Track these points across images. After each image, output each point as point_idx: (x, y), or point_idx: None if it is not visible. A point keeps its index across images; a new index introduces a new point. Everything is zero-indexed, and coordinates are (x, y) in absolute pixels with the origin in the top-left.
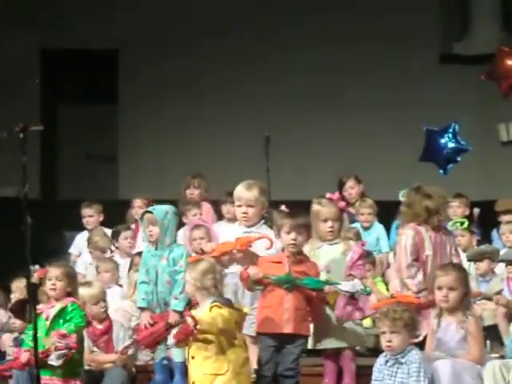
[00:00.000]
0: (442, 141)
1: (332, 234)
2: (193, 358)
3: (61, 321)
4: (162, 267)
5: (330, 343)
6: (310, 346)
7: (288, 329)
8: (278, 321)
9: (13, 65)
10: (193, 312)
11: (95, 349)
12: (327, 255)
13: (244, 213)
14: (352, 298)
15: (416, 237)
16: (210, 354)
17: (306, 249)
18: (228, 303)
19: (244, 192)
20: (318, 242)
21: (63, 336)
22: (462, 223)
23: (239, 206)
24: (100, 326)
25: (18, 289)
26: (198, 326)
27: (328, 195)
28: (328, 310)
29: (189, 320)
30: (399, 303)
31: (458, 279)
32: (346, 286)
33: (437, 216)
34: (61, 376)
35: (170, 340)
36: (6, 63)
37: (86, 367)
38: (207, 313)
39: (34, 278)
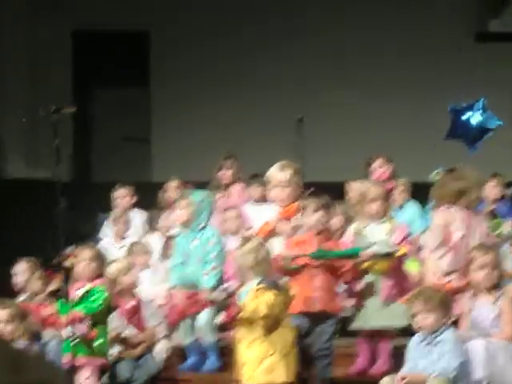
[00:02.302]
0: (468, 117)
1: (379, 214)
2: (241, 340)
3: (87, 300)
4: (194, 248)
5: (371, 323)
6: (353, 326)
7: (318, 306)
8: (308, 299)
9: (45, 47)
10: (242, 289)
11: (126, 330)
12: (373, 234)
13: (277, 194)
14: (388, 255)
15: (446, 219)
16: (256, 337)
17: (353, 227)
18: (274, 285)
19: (277, 173)
20: (364, 221)
21: (79, 319)
22: (497, 225)
23: (273, 187)
24: (130, 305)
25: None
26: (241, 314)
27: (377, 175)
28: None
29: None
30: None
31: (497, 258)
32: (378, 246)
33: (467, 197)
34: (85, 354)
35: (217, 319)
36: (38, 46)
37: (115, 348)
38: (252, 298)
39: (68, 261)
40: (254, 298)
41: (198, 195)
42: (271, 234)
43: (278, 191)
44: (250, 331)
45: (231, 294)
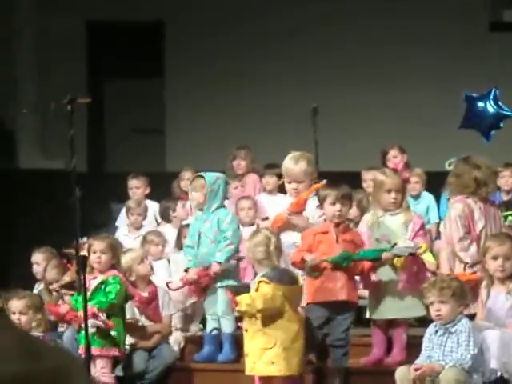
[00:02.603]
0: (482, 106)
1: (395, 204)
2: (246, 330)
3: (101, 292)
4: (205, 229)
5: (387, 313)
6: (367, 315)
7: (342, 296)
8: (331, 289)
9: (59, 38)
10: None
11: (142, 318)
12: (388, 225)
13: (294, 189)
14: (412, 255)
15: (466, 209)
16: (258, 328)
17: (367, 218)
18: (280, 277)
19: (292, 168)
20: (379, 212)
21: (93, 315)
22: None
23: (289, 182)
24: (145, 294)
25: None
26: (237, 308)
27: (393, 165)
28: (385, 278)
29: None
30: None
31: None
32: (400, 249)
33: (485, 187)
34: (99, 346)
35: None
36: (52, 37)
37: (129, 341)
38: (251, 292)
39: (82, 251)
40: (254, 291)
41: (211, 177)
42: (285, 225)
43: (295, 186)
44: (253, 323)
45: (240, 259)
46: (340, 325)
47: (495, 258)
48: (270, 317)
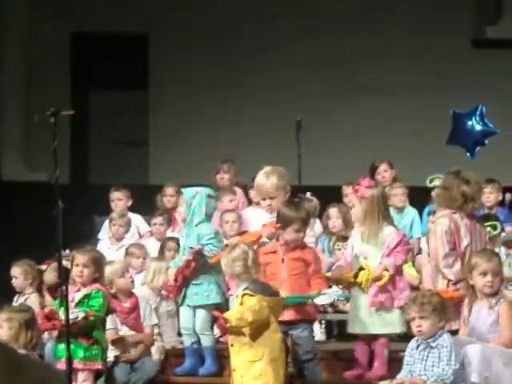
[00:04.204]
0: (469, 123)
1: (355, 219)
2: (232, 345)
3: (84, 306)
4: (187, 244)
5: (367, 328)
6: (348, 329)
7: (288, 316)
8: None
9: (44, 49)
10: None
11: (124, 328)
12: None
13: (268, 205)
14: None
15: (452, 225)
16: (245, 342)
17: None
18: (262, 289)
19: (263, 183)
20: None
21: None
22: (493, 227)
23: (263, 199)
24: (127, 304)
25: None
26: (227, 325)
27: (379, 178)
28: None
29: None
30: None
31: (499, 264)
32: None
33: (472, 203)
34: (82, 359)
35: (216, 330)
36: (37, 48)
37: (112, 352)
38: (237, 306)
39: (66, 263)
40: (239, 305)
41: (189, 192)
42: (253, 243)
43: (269, 202)
44: (239, 337)
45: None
46: (300, 339)
47: (484, 274)
48: (257, 329)
